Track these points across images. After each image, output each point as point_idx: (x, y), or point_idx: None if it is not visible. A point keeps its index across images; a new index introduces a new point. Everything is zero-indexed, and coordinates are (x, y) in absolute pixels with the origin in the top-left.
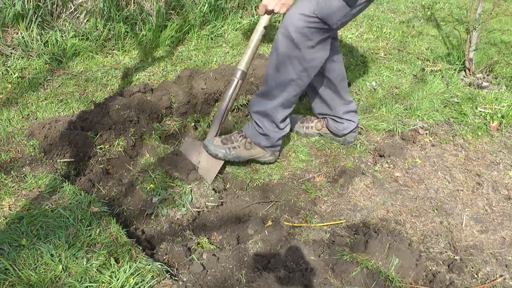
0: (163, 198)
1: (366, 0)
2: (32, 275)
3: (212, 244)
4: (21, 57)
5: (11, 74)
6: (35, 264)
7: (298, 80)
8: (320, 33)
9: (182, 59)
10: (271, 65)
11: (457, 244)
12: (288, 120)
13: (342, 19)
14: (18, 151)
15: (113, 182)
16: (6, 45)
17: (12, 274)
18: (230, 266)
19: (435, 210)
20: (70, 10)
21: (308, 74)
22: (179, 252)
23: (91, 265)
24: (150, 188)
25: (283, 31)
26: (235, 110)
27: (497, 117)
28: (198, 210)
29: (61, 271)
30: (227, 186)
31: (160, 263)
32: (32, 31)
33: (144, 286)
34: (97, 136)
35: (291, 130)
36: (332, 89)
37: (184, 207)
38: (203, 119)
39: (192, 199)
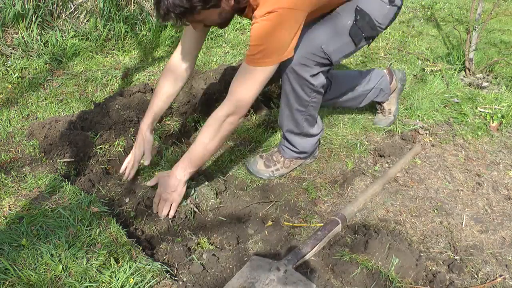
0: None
1: (366, 41)
2: (32, 275)
3: (212, 244)
4: (21, 57)
5: (11, 74)
6: (35, 264)
7: (314, 99)
8: (320, 66)
9: None
10: (284, 101)
11: (457, 244)
12: (320, 122)
13: (344, 57)
14: (18, 151)
15: (113, 182)
16: (6, 45)
17: (12, 274)
18: (230, 266)
19: (435, 210)
20: (70, 10)
21: (319, 94)
22: (179, 252)
23: (91, 265)
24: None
25: (287, 68)
26: None
27: (497, 117)
28: (197, 205)
29: (61, 271)
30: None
31: (160, 263)
32: (32, 31)
33: (144, 286)
34: (97, 136)
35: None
36: None
37: (185, 199)
38: (203, 119)
39: (194, 193)
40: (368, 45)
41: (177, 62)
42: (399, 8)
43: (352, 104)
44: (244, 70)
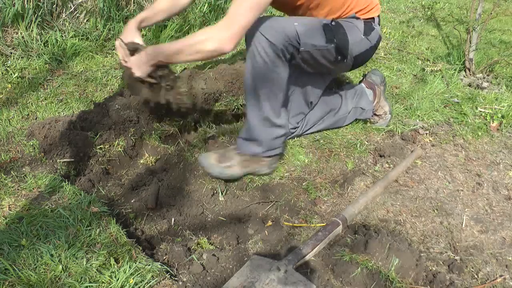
0: None
1: (337, 53)
2: (32, 275)
3: (212, 244)
4: (21, 57)
5: (11, 74)
6: (35, 264)
7: (276, 69)
8: (287, 41)
9: None
10: (248, 67)
11: (457, 244)
12: (285, 116)
13: (313, 48)
14: (18, 151)
15: (113, 182)
16: (6, 45)
17: (12, 274)
18: (230, 266)
19: (435, 210)
20: (70, 10)
21: (281, 62)
22: (179, 252)
23: (91, 265)
24: None
25: (256, 31)
26: (234, 110)
27: (497, 117)
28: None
29: (61, 271)
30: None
31: (160, 263)
32: (32, 31)
33: (144, 286)
34: (97, 136)
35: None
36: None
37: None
38: (203, 119)
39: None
40: (339, 68)
41: None
42: (374, 47)
43: (334, 127)
44: None
